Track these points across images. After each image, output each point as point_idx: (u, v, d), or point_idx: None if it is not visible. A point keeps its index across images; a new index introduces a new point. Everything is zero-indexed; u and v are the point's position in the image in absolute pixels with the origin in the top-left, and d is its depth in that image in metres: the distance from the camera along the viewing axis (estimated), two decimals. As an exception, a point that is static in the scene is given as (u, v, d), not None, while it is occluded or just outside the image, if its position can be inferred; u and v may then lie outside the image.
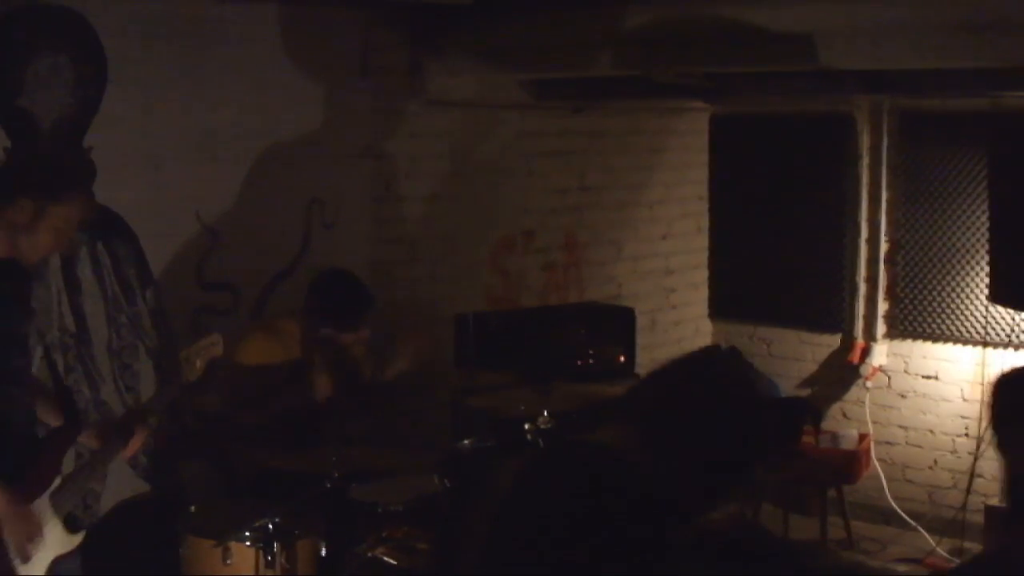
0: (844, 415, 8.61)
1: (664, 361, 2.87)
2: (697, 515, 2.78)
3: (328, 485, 5.14)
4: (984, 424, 7.85)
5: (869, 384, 8.44)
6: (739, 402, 2.73)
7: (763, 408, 2.79)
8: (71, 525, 4.51)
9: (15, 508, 4.21)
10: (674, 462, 2.66)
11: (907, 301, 8.29)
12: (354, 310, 5.84)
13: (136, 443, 4.73)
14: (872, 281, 8.43)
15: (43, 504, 4.37)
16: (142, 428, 4.72)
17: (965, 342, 8.04)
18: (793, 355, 8.94)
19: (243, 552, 4.79)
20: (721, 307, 9.30)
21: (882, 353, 8.38)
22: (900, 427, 8.39)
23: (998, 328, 7.83)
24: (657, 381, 2.81)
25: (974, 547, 7.61)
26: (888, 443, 8.43)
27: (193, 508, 5.09)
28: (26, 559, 4.24)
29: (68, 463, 4.66)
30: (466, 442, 6.08)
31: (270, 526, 4.80)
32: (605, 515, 2.50)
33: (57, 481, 4.45)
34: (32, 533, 4.27)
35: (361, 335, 5.90)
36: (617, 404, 2.89)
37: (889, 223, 8.33)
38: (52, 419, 4.68)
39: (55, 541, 4.42)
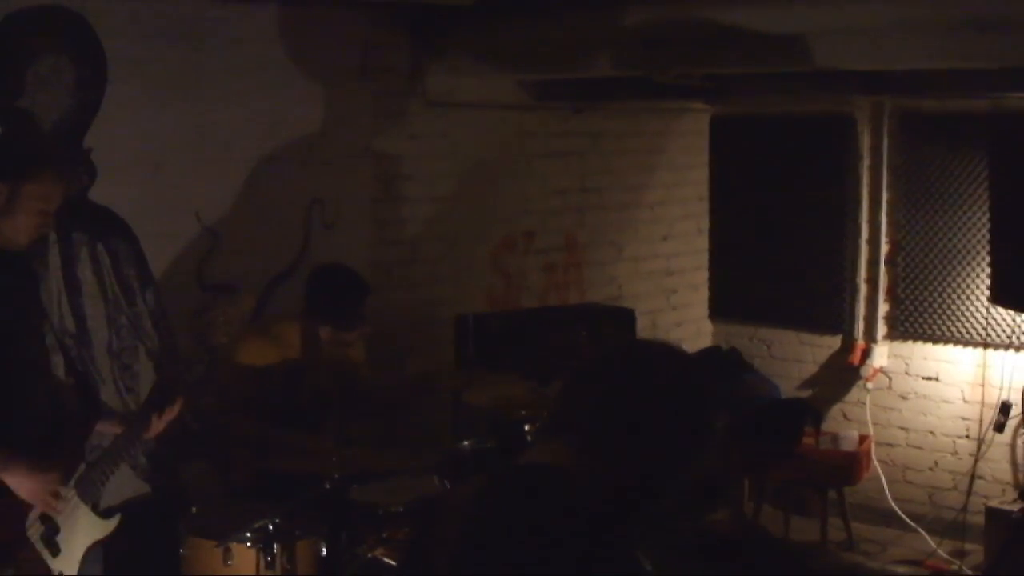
0: (844, 416, 8.60)
1: (587, 360, 2.81)
2: (664, 518, 2.74)
3: (328, 486, 5.14)
4: (985, 426, 7.86)
5: (869, 385, 8.44)
6: (670, 392, 2.64)
7: (700, 392, 2.70)
8: (103, 511, 4.54)
9: (42, 483, 4.26)
10: (613, 468, 2.62)
11: (908, 302, 8.29)
12: (351, 301, 5.83)
13: (160, 422, 4.62)
14: (873, 282, 8.43)
15: (69, 492, 4.40)
16: (167, 406, 4.63)
17: (966, 343, 8.04)
18: (793, 356, 8.93)
19: (244, 553, 4.79)
20: (721, 308, 9.30)
21: (883, 354, 8.37)
22: (901, 428, 8.39)
23: (999, 329, 7.82)
24: (581, 385, 2.74)
25: (975, 549, 7.62)
26: (888, 444, 8.42)
27: (194, 509, 5.10)
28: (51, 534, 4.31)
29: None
30: (466, 443, 6.08)
31: (271, 527, 4.80)
32: (555, 535, 2.49)
33: (82, 468, 4.47)
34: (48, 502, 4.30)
35: (363, 331, 5.89)
36: (550, 416, 2.83)
37: (890, 224, 8.33)
38: (71, 405, 4.69)
39: (89, 527, 4.49)
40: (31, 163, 4.36)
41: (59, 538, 4.35)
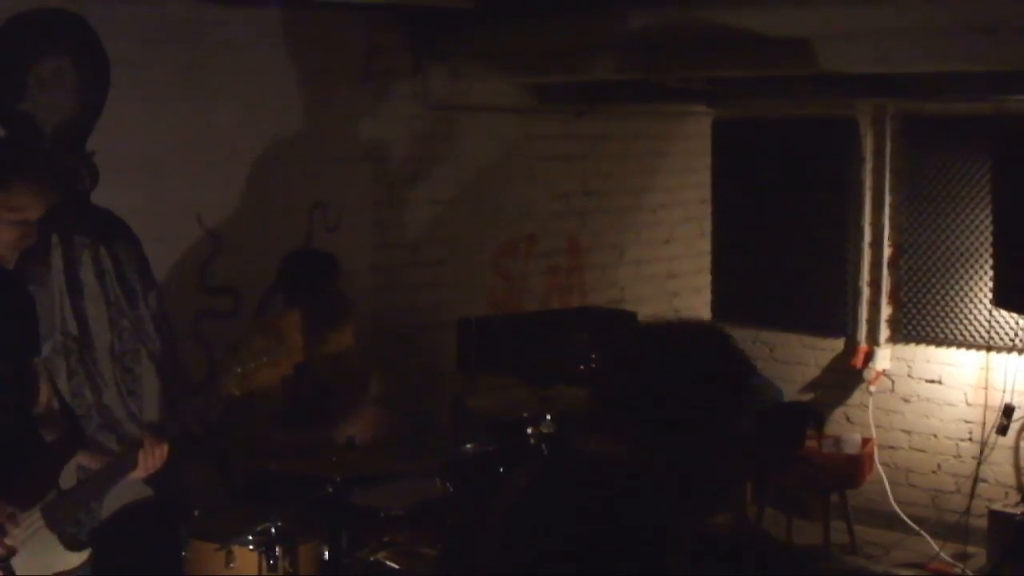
0: (847, 419, 8.60)
1: (636, 350, 2.81)
2: (703, 511, 2.76)
3: (330, 489, 5.13)
4: (988, 429, 7.85)
5: (872, 388, 8.43)
6: (718, 383, 2.67)
7: (746, 381, 2.72)
8: (71, 542, 4.38)
9: None
10: (667, 459, 2.64)
11: (910, 305, 8.28)
12: (316, 275, 5.84)
13: (150, 462, 4.45)
14: (875, 285, 8.42)
15: (31, 517, 4.26)
16: (156, 447, 4.45)
17: (969, 346, 8.03)
18: (796, 359, 8.93)
19: (246, 556, 4.79)
20: (724, 311, 9.28)
21: (885, 357, 8.37)
22: (903, 431, 8.38)
23: (1002, 332, 7.82)
24: (633, 376, 2.76)
25: (978, 552, 7.61)
26: (891, 447, 8.42)
27: (196, 512, 5.09)
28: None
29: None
30: (468, 446, 6.07)
31: (273, 530, 4.80)
32: (611, 523, 2.49)
33: (52, 495, 4.32)
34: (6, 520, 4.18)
35: (345, 337, 5.89)
36: (601, 408, 2.84)
37: (892, 227, 8.32)
38: (53, 433, 4.56)
39: (50, 557, 4.33)
40: (8, 173, 4.23)
41: (14, 562, 4.21)
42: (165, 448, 4.45)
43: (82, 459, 4.56)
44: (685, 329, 2.80)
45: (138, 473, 4.45)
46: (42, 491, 4.30)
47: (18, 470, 4.26)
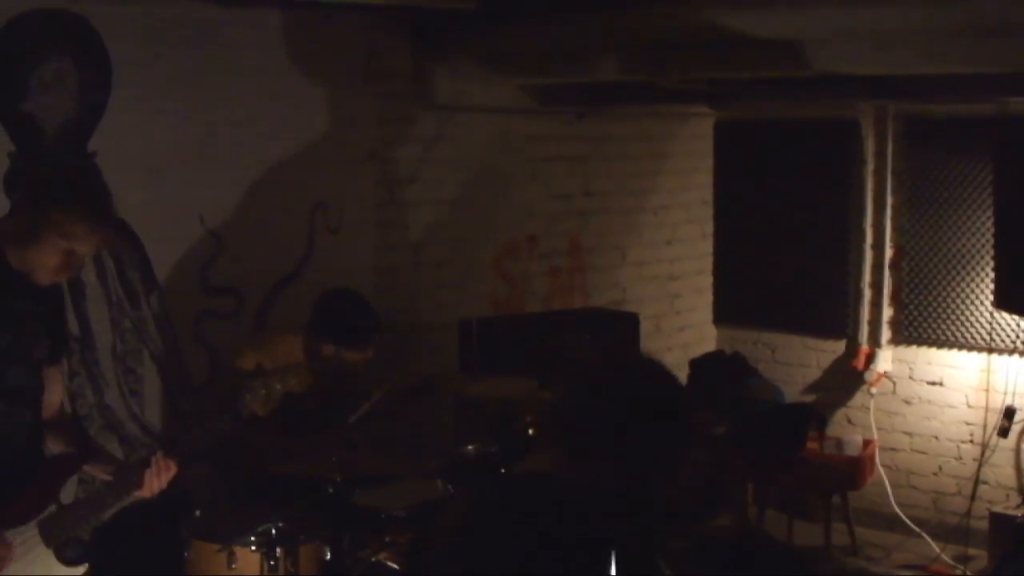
0: (849, 421, 8.60)
1: (576, 370, 2.86)
2: (650, 522, 2.76)
3: (332, 490, 5.14)
4: (989, 430, 7.85)
5: (874, 390, 8.44)
6: (655, 403, 2.71)
7: (680, 402, 2.76)
8: (66, 556, 4.36)
9: None
10: (602, 474, 2.64)
11: (912, 307, 8.28)
12: (361, 332, 5.84)
13: (156, 482, 4.33)
14: (877, 287, 8.42)
15: (29, 531, 4.16)
16: (164, 466, 4.35)
17: (970, 348, 8.03)
18: (798, 361, 8.93)
19: (247, 557, 4.79)
20: (726, 312, 9.29)
21: (887, 359, 8.37)
22: (905, 433, 8.39)
23: (1003, 334, 7.82)
24: (573, 397, 2.78)
25: (979, 554, 7.61)
26: (893, 449, 8.42)
27: (197, 512, 5.09)
28: None
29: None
30: (470, 447, 6.07)
31: (274, 531, 4.80)
32: (549, 542, 2.50)
33: (52, 509, 4.25)
34: (2, 556, 4.06)
35: (366, 354, 5.89)
36: (543, 426, 2.92)
37: (894, 229, 8.33)
38: (61, 441, 4.48)
39: (43, 570, 4.28)
40: (60, 191, 4.14)
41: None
42: (173, 468, 4.36)
43: (88, 467, 4.52)
44: (631, 362, 2.90)
45: (143, 492, 4.35)
46: (41, 505, 4.22)
47: (19, 482, 4.19)
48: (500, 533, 2.54)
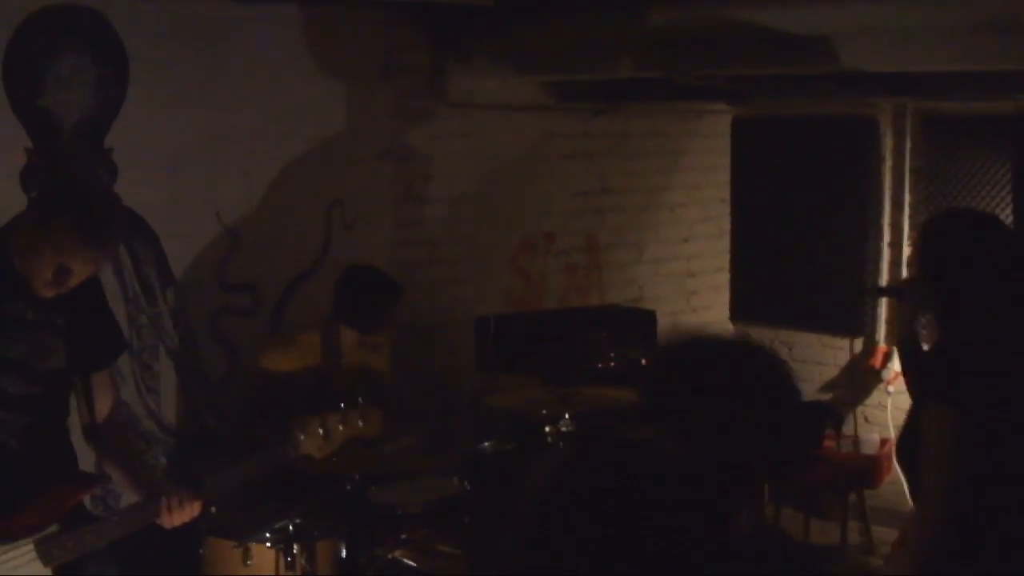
0: (866, 419, 8.57)
1: (688, 352, 2.86)
2: (736, 511, 2.78)
3: (348, 487, 5.13)
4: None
5: (891, 389, 8.41)
6: (766, 394, 2.75)
7: (790, 399, 2.78)
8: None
9: None
10: (712, 457, 2.66)
11: (930, 305, 8.25)
12: (383, 302, 5.83)
13: (178, 515, 4.14)
14: (895, 285, 8.40)
15: (23, 547, 3.96)
16: (190, 501, 4.16)
17: (987, 346, 7.99)
18: (815, 359, 8.91)
19: (263, 553, 4.79)
20: (743, 310, 9.27)
21: (904, 357, 8.34)
22: (922, 432, 8.35)
23: (1022, 332, 7.78)
24: (685, 375, 2.79)
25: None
26: (910, 447, 8.38)
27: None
28: None
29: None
30: (486, 444, 6.07)
31: (290, 527, 4.79)
32: (648, 511, 2.48)
33: (53, 529, 3.99)
34: None
35: (391, 333, 5.88)
36: (648, 401, 2.89)
37: (912, 227, 8.30)
38: (106, 447, 4.33)
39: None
40: (63, 204, 3.93)
41: None
42: (197, 508, 4.20)
43: (107, 467, 4.40)
44: (746, 350, 2.93)
45: (162, 523, 4.17)
46: (38, 523, 3.99)
47: (15, 494, 3.98)
48: (597, 490, 2.52)
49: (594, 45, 6.60)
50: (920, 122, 8.21)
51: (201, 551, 4.93)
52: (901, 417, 8.26)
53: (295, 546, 4.78)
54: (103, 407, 4.32)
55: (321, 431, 4.34)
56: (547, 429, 5.79)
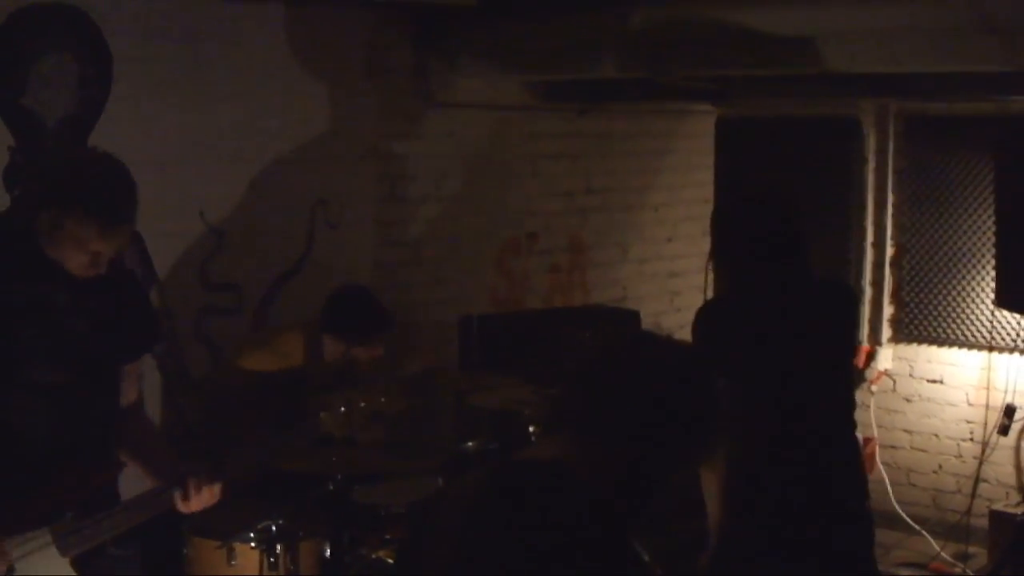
0: (849, 419, 8.59)
1: (586, 359, 2.83)
2: (646, 511, 2.73)
3: (331, 487, 5.13)
4: (989, 429, 7.85)
5: (874, 388, 8.43)
6: (659, 388, 2.65)
7: (686, 386, 2.68)
8: (85, 568, 4.00)
9: None
10: (611, 462, 2.63)
11: (912, 305, 8.27)
12: (373, 329, 5.80)
13: (198, 500, 4.10)
14: (877, 285, 8.41)
15: (40, 535, 3.93)
16: (210, 484, 4.13)
17: (970, 346, 8.02)
18: (798, 358, 8.91)
19: (247, 553, 4.79)
20: (726, 310, 9.27)
21: (887, 357, 8.36)
22: (905, 431, 8.38)
23: (1003, 332, 7.81)
24: (580, 382, 2.76)
25: (979, 552, 7.60)
26: (893, 447, 8.41)
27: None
28: None
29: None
30: (470, 444, 6.07)
31: (274, 527, 4.79)
32: (556, 531, 2.49)
33: (68, 517, 3.95)
34: None
35: (375, 352, 5.86)
36: (553, 411, 2.86)
37: (895, 227, 8.31)
38: (126, 446, 4.27)
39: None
40: (72, 191, 3.88)
41: None
42: (218, 491, 4.15)
43: (127, 454, 4.31)
44: (651, 343, 2.82)
45: (183, 508, 4.12)
46: (48, 512, 3.96)
47: (36, 481, 3.95)
48: (511, 516, 2.53)
49: (578, 45, 6.60)
50: (903, 123, 8.22)
51: (184, 550, 4.92)
52: (884, 416, 8.36)
53: (278, 546, 4.78)
54: (129, 396, 4.29)
55: (343, 408, 4.29)
56: (530, 429, 5.79)
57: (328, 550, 5.01)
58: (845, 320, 4.54)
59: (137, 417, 4.39)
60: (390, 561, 5.08)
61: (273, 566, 4.76)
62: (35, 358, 3.97)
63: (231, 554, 4.76)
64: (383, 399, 4.41)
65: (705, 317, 4.40)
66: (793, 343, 4.27)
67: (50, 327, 3.98)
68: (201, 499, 4.11)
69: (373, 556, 5.11)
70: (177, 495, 4.07)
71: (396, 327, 5.94)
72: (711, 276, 4.60)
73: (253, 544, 4.78)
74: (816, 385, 4.30)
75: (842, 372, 4.49)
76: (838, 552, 4.15)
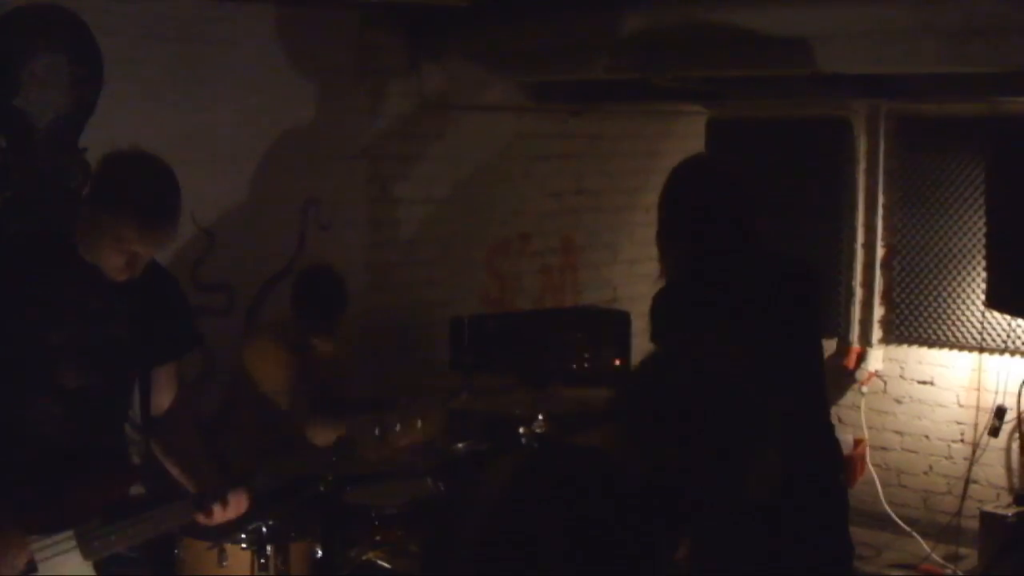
0: (839, 420, 8.58)
1: (646, 357, 2.83)
2: (687, 517, 2.74)
3: (323, 488, 5.13)
4: (980, 430, 7.85)
5: (864, 389, 8.43)
6: (718, 398, 2.68)
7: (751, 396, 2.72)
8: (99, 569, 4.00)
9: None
10: (661, 460, 2.63)
11: (903, 306, 8.28)
12: (324, 308, 5.79)
13: (222, 512, 4.14)
14: (868, 286, 8.42)
15: (65, 537, 3.92)
16: (235, 503, 4.16)
17: (961, 347, 8.03)
18: (789, 360, 8.91)
19: (238, 554, 4.78)
20: (717, 311, 9.27)
21: (878, 358, 8.37)
22: (895, 432, 8.39)
23: (994, 334, 7.82)
24: (639, 378, 2.77)
25: (969, 553, 7.61)
26: (883, 448, 8.42)
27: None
28: None
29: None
30: (460, 445, 6.06)
31: (265, 528, 4.78)
32: (597, 518, 2.48)
33: (95, 522, 3.96)
34: (12, 564, 3.80)
35: (328, 343, 5.84)
36: (607, 405, 2.85)
37: (885, 228, 8.32)
38: (165, 451, 4.32)
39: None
40: (115, 188, 3.89)
41: None
42: (245, 504, 4.19)
43: (165, 461, 4.32)
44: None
45: (212, 520, 4.16)
46: (74, 516, 3.95)
47: (60, 485, 3.95)
48: (546, 498, 2.52)
49: (570, 46, 6.61)
50: (893, 124, 8.23)
51: (176, 552, 4.91)
52: (875, 417, 8.35)
53: (269, 547, 4.77)
54: (162, 401, 4.29)
55: (377, 431, 4.26)
56: (521, 430, 5.79)
57: (319, 551, 5.01)
58: (808, 296, 4.28)
59: (176, 421, 4.37)
60: (381, 563, 5.08)
61: (264, 567, 4.76)
62: (64, 363, 3.95)
63: (222, 555, 4.76)
64: (420, 424, 4.28)
65: (660, 306, 4.17)
66: (755, 322, 4.04)
67: (82, 332, 3.97)
68: (227, 513, 4.14)
69: (364, 557, 5.11)
70: (210, 506, 4.09)
71: (342, 312, 5.91)
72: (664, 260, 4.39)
73: (244, 545, 4.77)
74: (784, 364, 4.12)
75: (811, 349, 4.24)
76: (812, 526, 4.08)
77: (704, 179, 4.31)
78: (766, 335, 3.99)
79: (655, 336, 4.03)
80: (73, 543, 3.92)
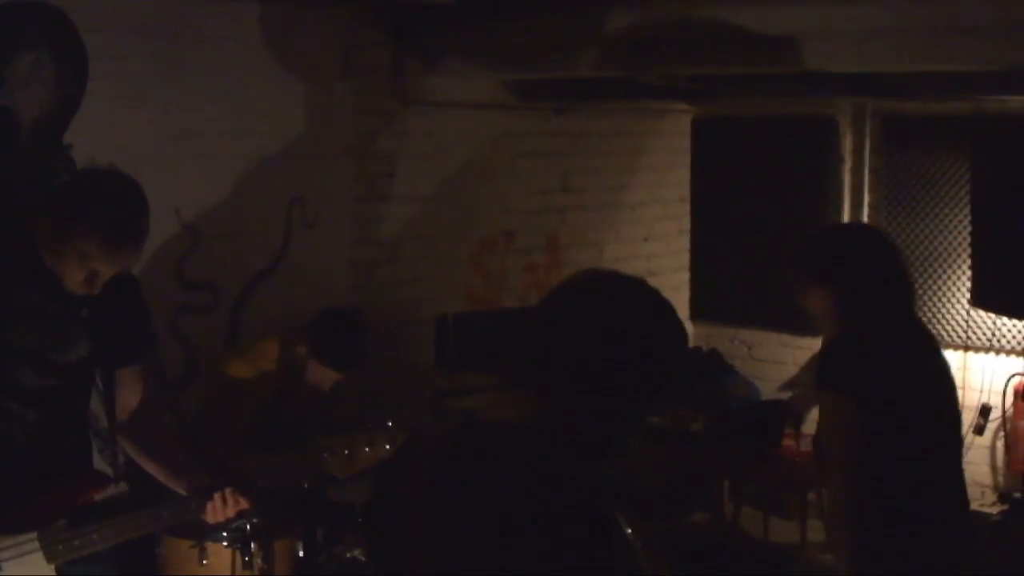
0: (825, 418, 8.59)
1: (541, 307, 2.66)
2: (606, 453, 2.62)
3: (306, 486, 5.12)
4: (965, 429, 7.86)
5: (850, 387, 8.43)
6: (655, 350, 2.53)
7: (647, 323, 2.55)
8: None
9: None
10: (570, 415, 2.51)
11: (888, 305, 8.28)
12: (352, 359, 5.74)
13: (223, 511, 4.12)
14: (854, 284, 8.41)
15: (26, 541, 3.89)
16: (233, 501, 4.13)
17: (946, 346, 8.01)
18: (774, 358, 8.93)
19: (220, 552, 4.78)
20: (702, 309, 9.28)
21: (863, 356, 8.37)
22: (881, 431, 8.38)
23: (979, 332, 7.83)
24: (538, 331, 2.61)
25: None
26: (869, 446, 8.41)
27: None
28: None
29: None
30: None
31: (247, 526, 4.78)
32: (525, 494, 2.43)
33: (60, 523, 3.93)
34: None
35: (340, 376, 5.80)
36: (507, 365, 2.73)
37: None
38: (138, 451, 4.32)
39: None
40: (82, 204, 3.91)
41: None
42: (244, 503, 4.15)
43: (143, 463, 4.32)
44: (623, 286, 2.62)
45: (211, 517, 4.14)
46: (37, 518, 3.93)
47: (20, 487, 3.93)
48: (479, 486, 2.48)
49: (555, 44, 6.60)
50: (879, 122, 8.24)
51: (157, 550, 4.91)
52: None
53: (252, 545, 4.77)
54: (128, 403, 4.28)
55: (347, 451, 4.22)
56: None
57: (302, 549, 5.01)
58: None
59: (148, 423, 4.36)
60: (364, 560, 5.07)
61: (247, 565, 4.76)
62: (24, 363, 3.97)
63: (204, 553, 4.76)
64: (388, 447, 4.23)
65: (844, 349, 4.15)
66: (927, 381, 4.20)
67: (41, 334, 3.99)
68: (227, 511, 4.13)
69: (347, 555, 5.11)
70: (210, 506, 4.09)
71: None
72: (827, 308, 4.36)
73: (226, 543, 4.78)
74: (944, 427, 4.23)
75: (958, 421, 4.37)
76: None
77: (892, 244, 4.46)
78: (939, 393, 4.20)
79: (832, 383, 4.07)
80: (36, 545, 3.91)
